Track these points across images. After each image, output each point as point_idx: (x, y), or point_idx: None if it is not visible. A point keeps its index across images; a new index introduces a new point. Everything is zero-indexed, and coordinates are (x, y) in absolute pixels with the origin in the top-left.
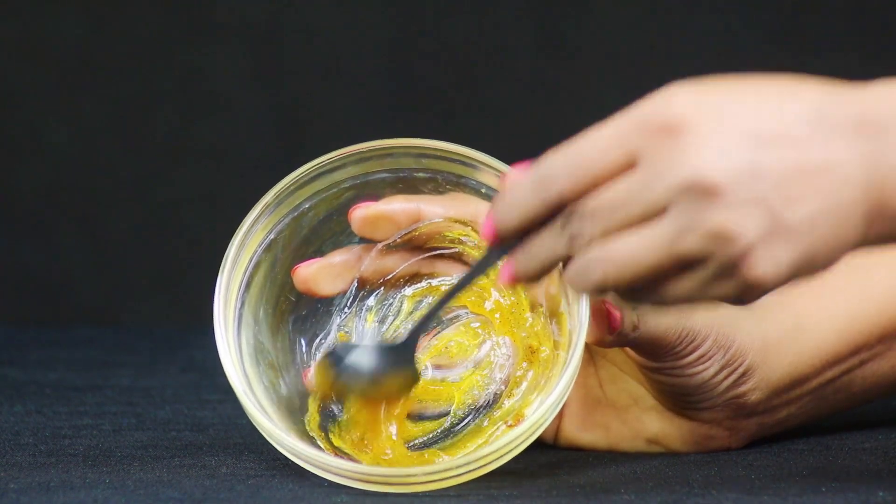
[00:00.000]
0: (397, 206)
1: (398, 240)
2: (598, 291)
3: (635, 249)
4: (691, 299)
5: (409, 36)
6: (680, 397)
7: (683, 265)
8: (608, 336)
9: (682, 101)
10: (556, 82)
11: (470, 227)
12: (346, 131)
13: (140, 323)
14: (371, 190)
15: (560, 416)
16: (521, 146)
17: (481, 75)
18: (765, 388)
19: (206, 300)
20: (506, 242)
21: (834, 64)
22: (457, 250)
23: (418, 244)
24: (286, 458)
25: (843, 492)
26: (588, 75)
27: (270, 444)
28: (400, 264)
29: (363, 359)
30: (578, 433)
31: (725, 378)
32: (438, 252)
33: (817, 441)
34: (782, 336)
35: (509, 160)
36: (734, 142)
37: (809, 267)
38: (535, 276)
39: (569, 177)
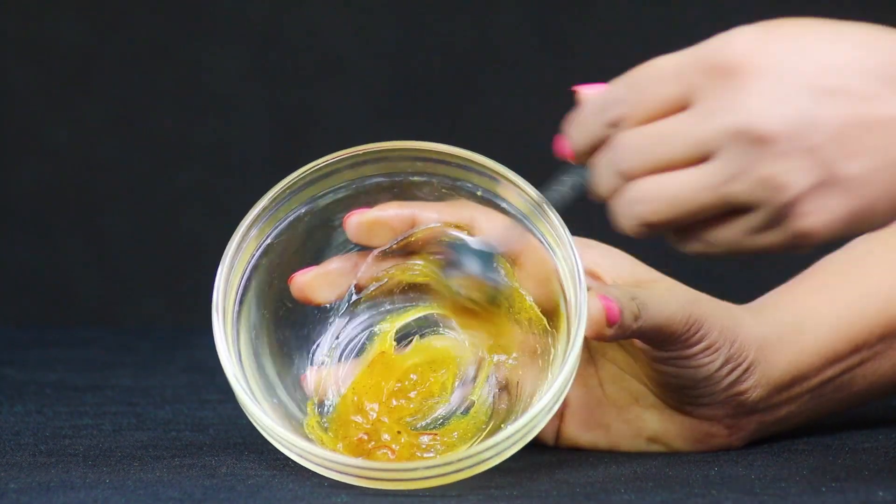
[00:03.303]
0: (392, 212)
1: (394, 246)
2: (644, 228)
3: (684, 187)
4: (738, 245)
5: (410, 36)
6: (683, 391)
7: (731, 210)
8: (608, 330)
9: (744, 44)
10: (556, 82)
11: (466, 232)
12: (347, 131)
13: (140, 323)
14: (366, 194)
15: (561, 417)
16: (521, 146)
17: (481, 75)
18: (765, 386)
19: (206, 300)
20: (580, 160)
21: None
22: None
23: (414, 250)
24: (286, 458)
25: (843, 492)
26: (588, 75)
27: (270, 444)
28: None
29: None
30: (579, 433)
31: (729, 373)
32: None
33: (817, 441)
34: (782, 334)
35: (508, 161)
36: (792, 89)
37: (866, 221)
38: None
39: (627, 104)
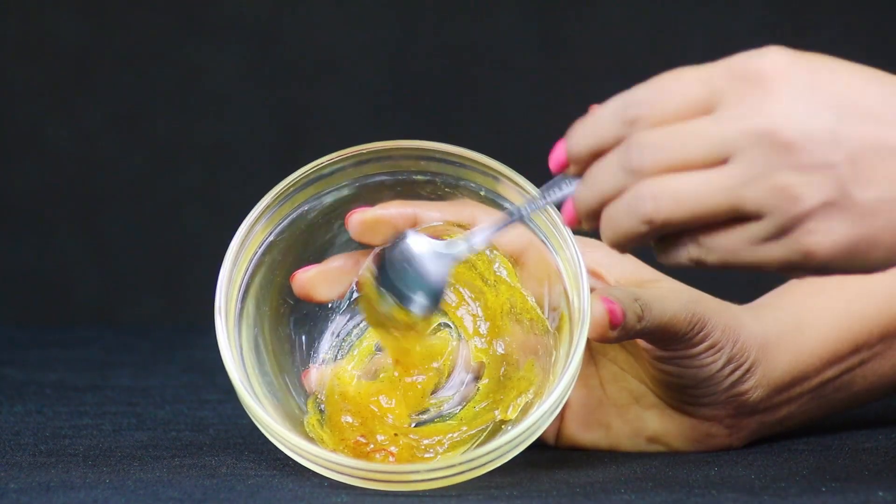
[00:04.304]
0: (394, 210)
1: None
2: (644, 228)
3: (698, 187)
4: (736, 255)
5: (409, 36)
6: (684, 391)
7: (739, 216)
8: (611, 332)
9: (775, 57)
10: (556, 82)
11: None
12: (346, 131)
13: (140, 323)
14: (370, 192)
15: (561, 416)
16: (521, 146)
17: (481, 75)
18: (765, 386)
19: (206, 300)
20: (574, 169)
21: None
22: None
23: None
24: (286, 457)
25: (843, 492)
26: (588, 75)
27: (270, 444)
28: None
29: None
30: (579, 433)
31: (731, 373)
32: None
33: (817, 441)
34: (782, 334)
35: (509, 161)
36: (819, 104)
37: (867, 253)
38: (592, 210)
39: (648, 103)
